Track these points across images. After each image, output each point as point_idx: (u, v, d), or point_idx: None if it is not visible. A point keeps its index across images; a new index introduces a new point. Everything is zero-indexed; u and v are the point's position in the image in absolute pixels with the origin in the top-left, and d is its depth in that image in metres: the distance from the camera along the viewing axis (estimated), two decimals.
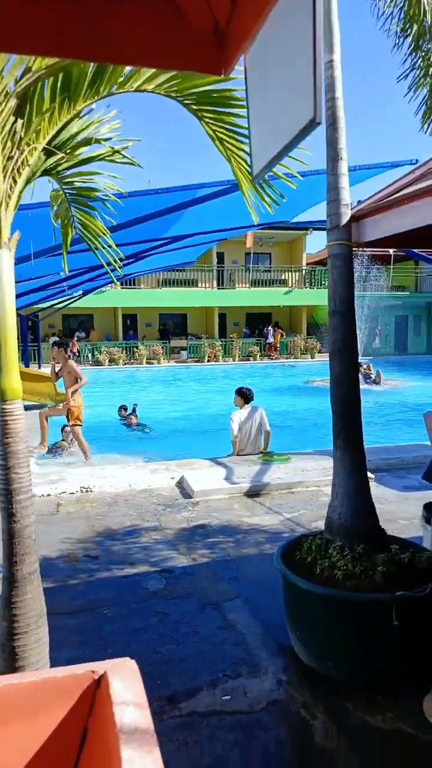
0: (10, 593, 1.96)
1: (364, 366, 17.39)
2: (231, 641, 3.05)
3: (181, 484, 5.98)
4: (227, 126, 1.96)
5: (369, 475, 3.23)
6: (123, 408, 12.21)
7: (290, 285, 30.36)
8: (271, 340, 28.23)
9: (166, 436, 11.37)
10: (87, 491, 5.80)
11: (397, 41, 4.14)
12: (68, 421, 8.14)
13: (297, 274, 30.84)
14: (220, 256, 29.66)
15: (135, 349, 26.22)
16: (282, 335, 28.98)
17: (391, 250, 24.64)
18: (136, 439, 10.93)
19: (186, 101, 1.83)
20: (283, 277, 30.75)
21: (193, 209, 7.44)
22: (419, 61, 4.18)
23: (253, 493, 5.64)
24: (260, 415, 6.98)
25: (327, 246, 3.07)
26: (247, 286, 29.49)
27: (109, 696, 0.81)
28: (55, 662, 2.28)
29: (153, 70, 1.72)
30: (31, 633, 1.97)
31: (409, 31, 4.06)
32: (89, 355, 26.31)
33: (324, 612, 2.58)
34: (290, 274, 30.84)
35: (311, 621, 2.68)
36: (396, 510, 5.03)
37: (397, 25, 4.14)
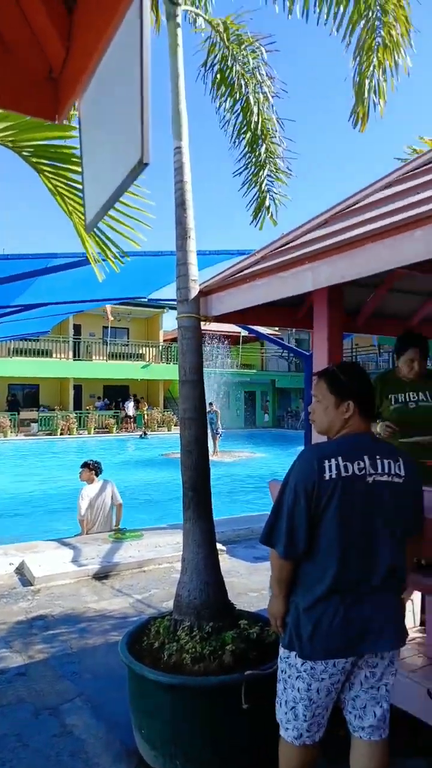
0: None
1: (214, 406, 18.13)
2: (68, 751, 2.66)
3: (21, 570, 5.38)
4: (67, 181, 1.94)
5: (220, 547, 3.18)
6: None
7: (148, 360, 30.81)
8: (132, 412, 27.94)
9: (8, 517, 10.36)
10: None
11: (236, 141, 4.59)
12: None
13: (154, 349, 31.48)
14: (77, 328, 29.30)
15: None
16: (144, 407, 29.08)
17: (242, 332, 26.43)
18: None
19: (24, 153, 1.76)
20: (140, 352, 31.14)
21: (46, 278, 7.26)
22: (252, 161, 4.64)
23: (102, 574, 5.26)
24: (111, 488, 6.68)
25: (177, 318, 3.14)
26: (105, 358, 29.32)
27: None
28: None
29: None
30: None
31: (244, 136, 4.54)
32: None
33: (170, 703, 2.36)
34: (148, 349, 31.39)
35: (157, 715, 2.42)
36: (247, 582, 5.00)
37: (233, 131, 4.61)
